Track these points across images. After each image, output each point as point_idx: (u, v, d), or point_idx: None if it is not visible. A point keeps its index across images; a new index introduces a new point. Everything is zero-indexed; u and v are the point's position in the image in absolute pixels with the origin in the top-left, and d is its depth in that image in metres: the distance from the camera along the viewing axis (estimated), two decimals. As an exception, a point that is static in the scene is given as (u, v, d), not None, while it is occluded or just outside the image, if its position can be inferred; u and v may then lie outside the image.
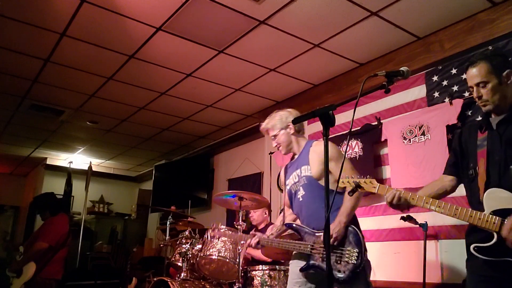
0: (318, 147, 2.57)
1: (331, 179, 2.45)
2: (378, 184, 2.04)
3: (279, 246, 2.66)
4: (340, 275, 2.26)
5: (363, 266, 2.25)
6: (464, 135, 2.10)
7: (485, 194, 1.82)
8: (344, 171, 2.39)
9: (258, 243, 2.76)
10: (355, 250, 2.27)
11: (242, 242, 3.09)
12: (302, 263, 2.46)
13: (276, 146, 2.73)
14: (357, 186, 2.06)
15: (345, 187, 2.14)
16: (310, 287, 2.46)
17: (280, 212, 3.04)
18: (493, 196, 1.80)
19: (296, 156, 2.70)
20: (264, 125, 2.76)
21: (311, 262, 2.40)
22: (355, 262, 2.24)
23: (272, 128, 2.70)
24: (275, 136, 2.70)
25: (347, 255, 2.27)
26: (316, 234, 2.43)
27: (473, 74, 1.95)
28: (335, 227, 2.31)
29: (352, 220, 2.38)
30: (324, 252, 2.34)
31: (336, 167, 2.42)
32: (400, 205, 1.98)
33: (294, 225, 2.59)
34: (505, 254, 1.72)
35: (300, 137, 2.73)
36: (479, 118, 2.09)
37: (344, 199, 2.37)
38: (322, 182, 2.46)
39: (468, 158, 2.02)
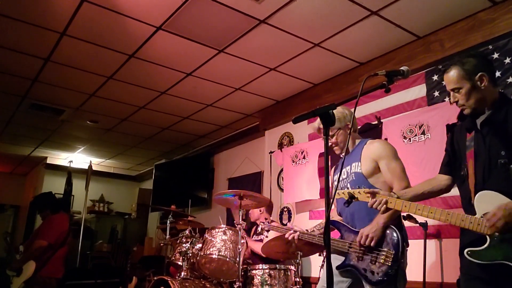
0: (372, 144, 2.51)
1: (380, 179, 2.42)
2: None
3: (318, 242, 2.60)
4: (373, 276, 2.22)
5: (397, 271, 2.19)
6: (456, 136, 2.12)
7: (475, 197, 1.83)
8: (393, 173, 2.37)
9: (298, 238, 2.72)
10: (391, 252, 2.22)
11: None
12: (340, 258, 2.43)
13: (331, 144, 2.63)
14: (351, 197, 2.05)
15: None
16: (341, 286, 2.43)
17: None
18: (484, 199, 1.80)
19: (348, 154, 2.62)
20: (318, 124, 2.58)
21: (347, 261, 2.38)
22: (389, 264, 2.19)
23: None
24: (332, 135, 2.60)
25: (382, 257, 2.23)
26: (357, 232, 2.37)
27: (448, 80, 2.00)
28: (372, 227, 2.28)
29: (396, 224, 2.31)
30: (361, 252, 2.32)
31: (387, 167, 2.38)
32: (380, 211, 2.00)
33: (335, 222, 2.55)
34: (498, 257, 1.73)
35: (356, 135, 2.68)
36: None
37: None
38: (371, 180, 2.42)
39: (460, 159, 2.04)
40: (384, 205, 1.98)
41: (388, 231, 2.28)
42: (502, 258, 1.72)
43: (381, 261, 2.22)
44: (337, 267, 2.42)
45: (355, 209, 2.44)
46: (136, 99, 5.35)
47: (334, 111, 2.52)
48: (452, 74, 1.97)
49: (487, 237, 1.75)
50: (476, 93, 1.93)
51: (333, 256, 2.51)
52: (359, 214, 2.42)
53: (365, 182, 2.42)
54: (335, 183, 2.64)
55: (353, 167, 2.52)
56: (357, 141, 2.63)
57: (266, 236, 3.21)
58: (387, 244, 2.25)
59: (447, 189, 2.15)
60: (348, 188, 2.48)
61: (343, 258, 2.43)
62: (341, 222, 2.54)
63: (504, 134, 1.86)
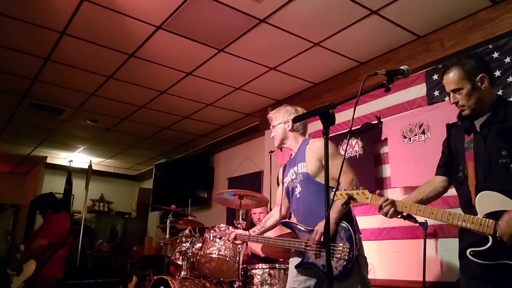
0: (314, 144, 2.59)
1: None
2: (371, 194, 2.04)
3: (258, 242, 2.70)
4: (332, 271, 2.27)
5: (355, 261, 2.26)
6: (453, 138, 2.12)
7: (476, 197, 1.82)
8: (339, 169, 2.43)
9: (235, 238, 2.83)
10: (346, 246, 2.28)
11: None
12: (299, 260, 2.47)
13: (272, 136, 2.79)
14: (350, 198, 2.05)
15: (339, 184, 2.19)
16: (309, 284, 2.46)
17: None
18: (485, 199, 1.80)
19: (293, 154, 2.72)
20: (269, 113, 2.84)
21: (305, 259, 2.42)
22: (347, 258, 2.26)
23: (275, 118, 2.77)
24: (273, 126, 2.77)
25: (338, 251, 2.29)
26: (310, 231, 2.43)
27: (448, 81, 1.99)
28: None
29: (345, 216, 2.38)
30: (318, 249, 2.36)
31: (331, 165, 2.43)
32: (389, 214, 1.98)
33: (289, 223, 2.60)
34: (500, 257, 1.73)
35: (299, 135, 2.74)
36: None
37: None
38: (318, 179, 2.48)
39: (457, 161, 2.03)
40: (392, 209, 1.96)
41: (340, 226, 2.34)
42: (506, 258, 1.71)
43: (338, 255, 2.28)
44: (296, 266, 2.48)
45: (307, 209, 2.51)
46: (136, 99, 5.35)
47: (281, 107, 2.76)
48: (453, 75, 1.96)
49: (489, 237, 1.75)
50: (476, 94, 1.93)
51: (294, 258, 2.57)
52: (311, 213, 2.46)
53: (313, 181, 2.50)
54: (285, 184, 2.72)
55: (300, 168, 2.60)
56: (300, 140, 2.72)
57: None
58: (341, 239, 2.32)
59: (444, 190, 2.15)
60: (297, 187, 2.57)
61: (300, 259, 2.48)
62: (294, 223, 2.59)
63: (505, 134, 1.86)
